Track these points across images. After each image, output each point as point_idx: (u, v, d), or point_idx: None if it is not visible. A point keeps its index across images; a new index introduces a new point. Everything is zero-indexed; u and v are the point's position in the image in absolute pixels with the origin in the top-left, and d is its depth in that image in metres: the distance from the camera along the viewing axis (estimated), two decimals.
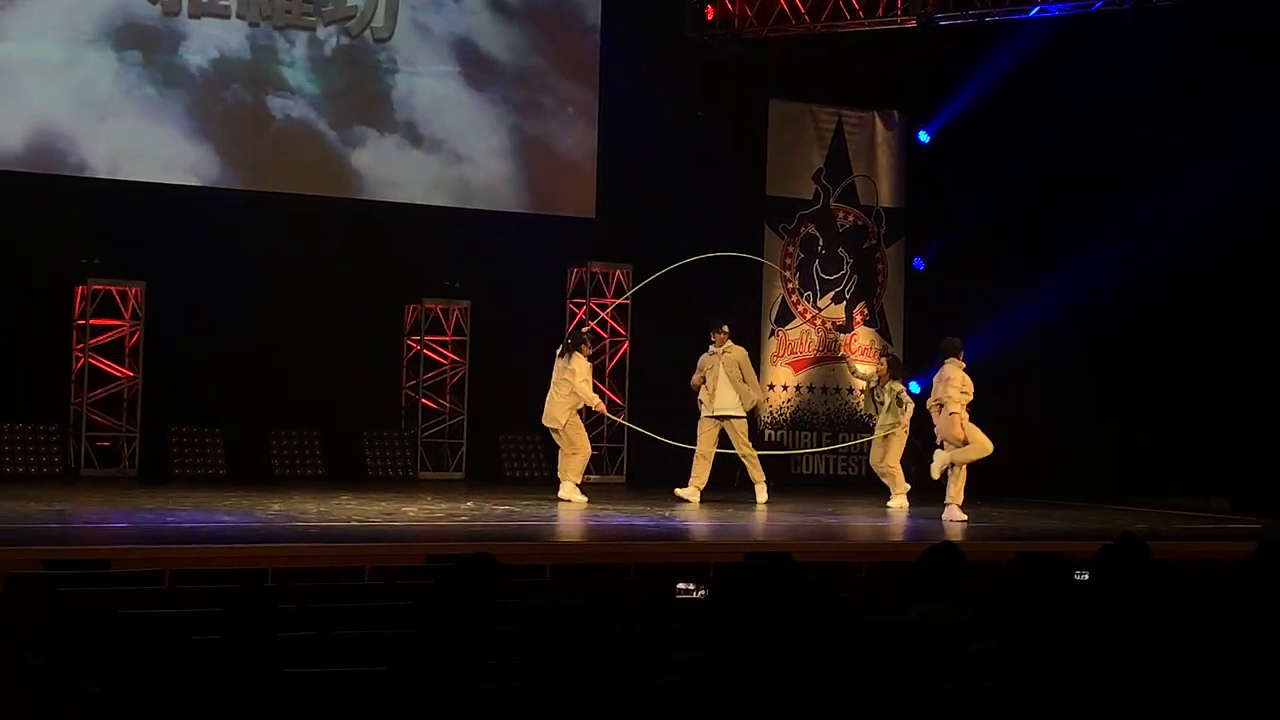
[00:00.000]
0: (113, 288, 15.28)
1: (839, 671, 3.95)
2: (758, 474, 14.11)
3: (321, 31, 16.18)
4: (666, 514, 13.01)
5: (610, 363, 17.00)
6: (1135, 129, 16.73)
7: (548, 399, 13.73)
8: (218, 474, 15.35)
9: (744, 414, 14.01)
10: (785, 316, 18.17)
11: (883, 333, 18.55)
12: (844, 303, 18.45)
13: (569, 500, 13.44)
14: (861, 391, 14.97)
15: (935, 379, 13.44)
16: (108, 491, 13.45)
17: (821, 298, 18.34)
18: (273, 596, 5.46)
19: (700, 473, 13.92)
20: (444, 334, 16.67)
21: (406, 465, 16.31)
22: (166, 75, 15.49)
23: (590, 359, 14.12)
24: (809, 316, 18.27)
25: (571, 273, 17.30)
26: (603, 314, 17.08)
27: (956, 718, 4.75)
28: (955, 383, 13.14)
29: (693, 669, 5.05)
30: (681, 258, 17.56)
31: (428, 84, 16.57)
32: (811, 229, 18.32)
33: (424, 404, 16.41)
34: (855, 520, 13.95)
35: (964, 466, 13.26)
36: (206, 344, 15.39)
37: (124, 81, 15.32)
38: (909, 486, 14.35)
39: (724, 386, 13.79)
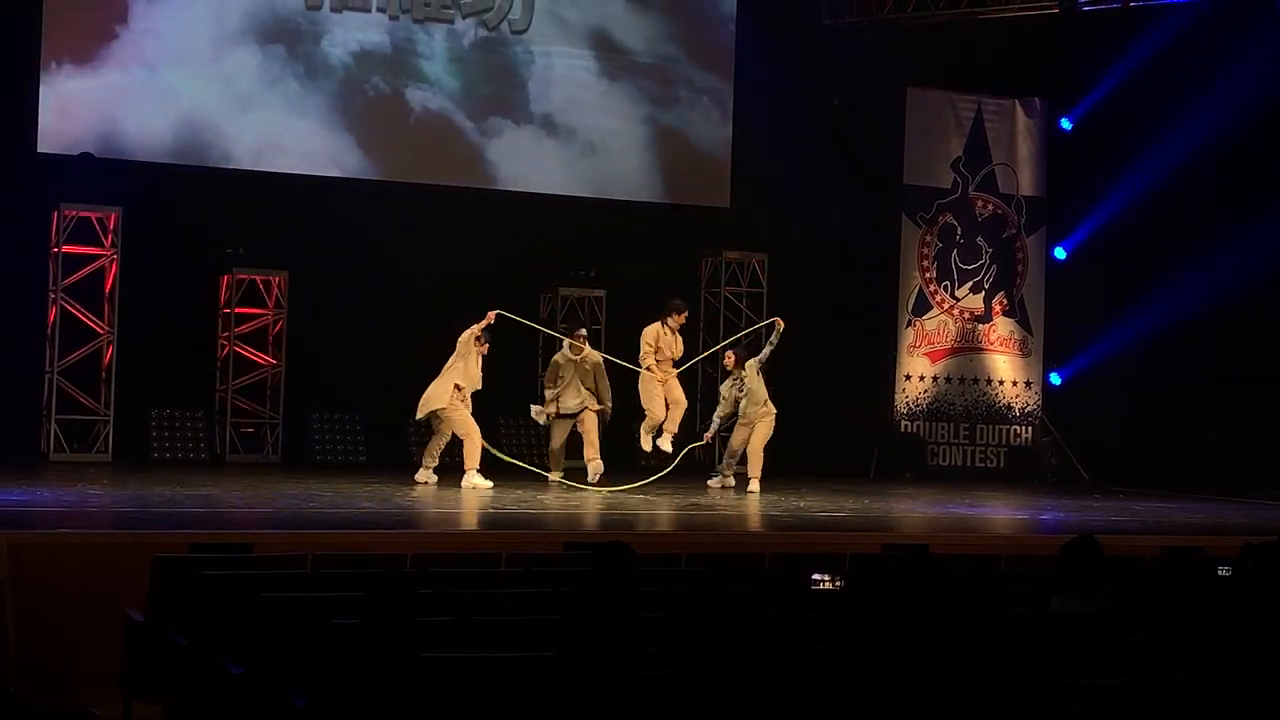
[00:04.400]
0: (256, 277, 15.55)
1: (979, 664, 3.90)
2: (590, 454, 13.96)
3: (460, 24, 16.33)
4: (801, 504, 12.96)
5: None
6: None
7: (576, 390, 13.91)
8: (358, 460, 15.55)
9: (595, 409, 13.99)
10: (922, 306, 17.99)
11: (1022, 323, 18.29)
12: (982, 293, 18.22)
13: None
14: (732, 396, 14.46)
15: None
16: (251, 477, 13.68)
17: (960, 288, 18.13)
18: (411, 581, 5.53)
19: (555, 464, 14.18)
20: (579, 322, 16.73)
21: (543, 453, 16.36)
22: (309, 68, 15.74)
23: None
24: (946, 307, 18.06)
25: (706, 262, 17.28)
26: (739, 303, 17.04)
27: (1100, 712, 4.67)
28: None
29: (826, 659, 5.02)
30: (817, 247, 17.52)
31: (564, 75, 16.64)
32: (950, 218, 18.11)
33: None
34: (993, 512, 13.79)
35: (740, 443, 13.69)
36: (347, 332, 15.62)
37: (268, 74, 15.59)
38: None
39: (572, 389, 13.82)
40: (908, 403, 17.79)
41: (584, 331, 14.40)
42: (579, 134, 16.70)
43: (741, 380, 13.93)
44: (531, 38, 16.56)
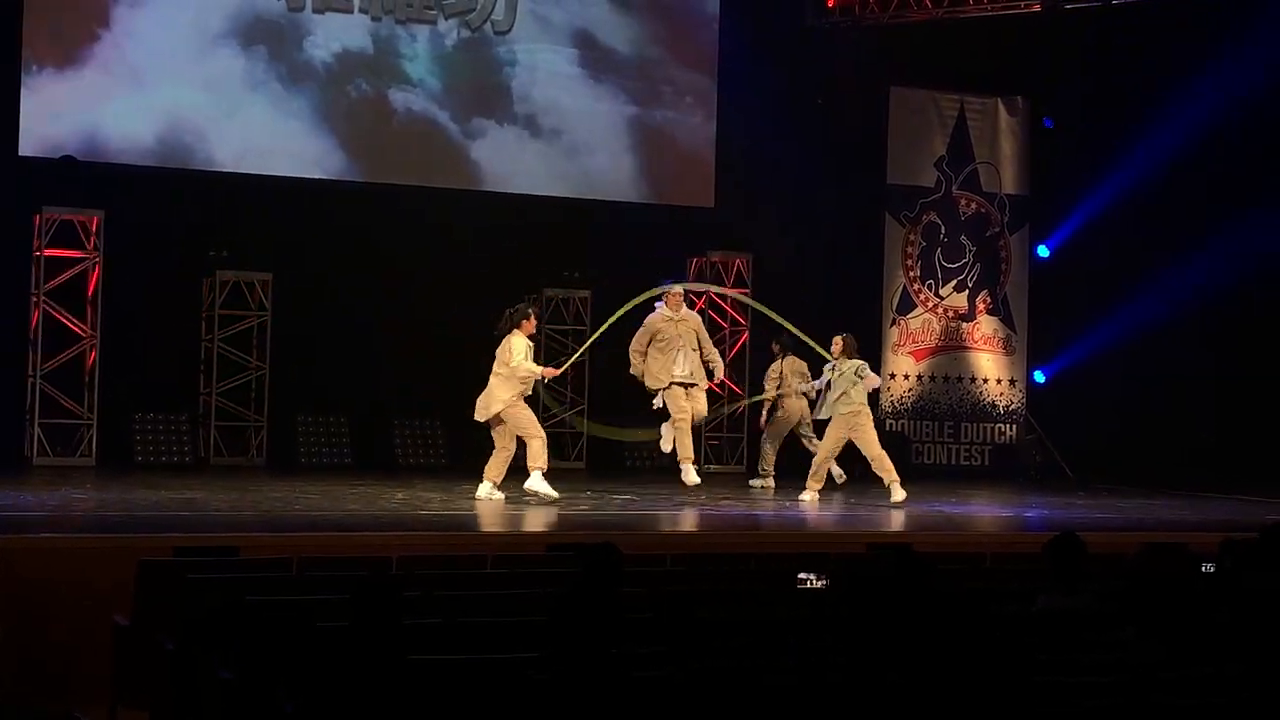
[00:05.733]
0: (241, 279, 15.53)
1: (970, 662, 3.91)
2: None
3: (442, 25, 16.31)
4: (787, 504, 12.97)
5: (730, 353, 16.96)
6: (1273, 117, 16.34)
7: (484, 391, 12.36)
8: (343, 462, 15.53)
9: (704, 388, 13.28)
10: (906, 305, 18.02)
11: (1006, 321, 18.34)
12: (966, 291, 18.26)
13: (539, 492, 11.99)
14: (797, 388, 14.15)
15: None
16: (236, 479, 13.67)
17: (943, 286, 18.17)
18: (398, 584, 5.53)
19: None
20: (564, 323, 16.76)
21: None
22: (292, 70, 15.71)
23: (531, 338, 12.48)
24: (930, 305, 18.10)
25: (691, 262, 17.29)
26: (723, 304, 17.06)
27: (1095, 710, 4.68)
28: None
29: (820, 655, 5.02)
30: (801, 246, 17.54)
31: (547, 75, 16.63)
32: (933, 217, 18.14)
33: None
34: (978, 510, 13.81)
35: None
36: (331, 334, 15.62)
37: (251, 76, 15.56)
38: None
39: (683, 355, 13.07)
40: (893, 401, 17.82)
41: (678, 289, 13.18)
42: (563, 134, 16.70)
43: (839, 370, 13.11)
44: (515, 38, 16.55)
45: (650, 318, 13.08)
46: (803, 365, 14.36)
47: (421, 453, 16.04)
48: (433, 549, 9.00)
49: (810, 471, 13.29)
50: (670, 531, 11.34)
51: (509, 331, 12.26)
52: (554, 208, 16.54)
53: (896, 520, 12.20)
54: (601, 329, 13.77)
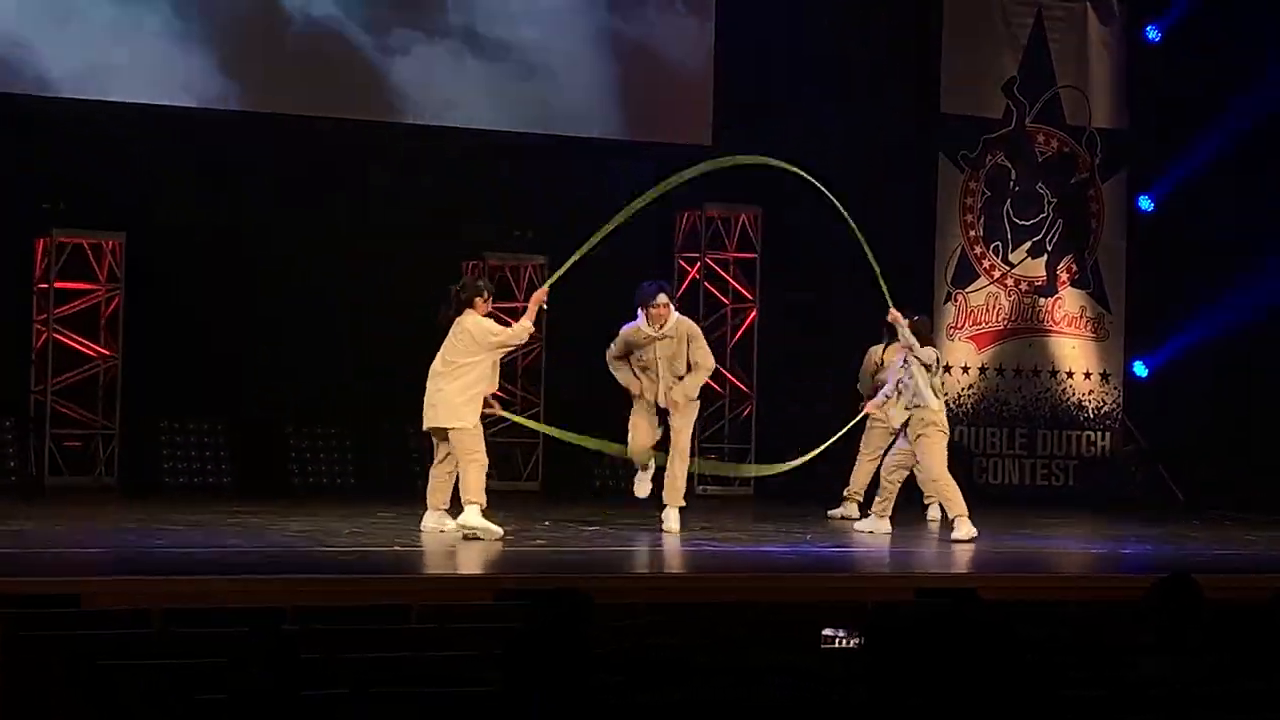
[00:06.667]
0: (83, 240, 15.47)
1: None
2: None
3: None
4: (808, 538, 13.02)
5: (734, 336, 16.96)
6: None
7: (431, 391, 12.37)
8: (220, 482, 15.54)
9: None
10: (966, 275, 18.06)
11: (1097, 297, 18.40)
12: (1044, 256, 18.30)
13: (477, 529, 11.94)
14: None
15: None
16: (79, 506, 13.60)
17: (1014, 250, 18.21)
18: (294, 643, 5.53)
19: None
20: (514, 299, 16.73)
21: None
22: None
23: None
24: (998, 275, 18.14)
25: (682, 217, 17.29)
26: (722, 271, 17.07)
27: None
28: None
29: None
30: (826, 198, 17.55)
31: None
32: (1001, 158, 18.18)
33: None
34: (1060, 544, 13.85)
35: None
36: (206, 314, 15.58)
37: None
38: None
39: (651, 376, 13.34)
40: (948, 402, 17.83)
41: (663, 298, 12.98)
42: (513, 51, 16.69)
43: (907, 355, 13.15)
44: None
45: (626, 329, 12.99)
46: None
47: (323, 471, 16.05)
48: (340, 598, 9.00)
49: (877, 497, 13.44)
50: (650, 574, 11.36)
51: (459, 314, 12.27)
52: (500, 148, 16.52)
53: (955, 559, 12.23)
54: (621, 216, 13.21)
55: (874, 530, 13.21)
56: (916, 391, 13.08)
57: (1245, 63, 17.43)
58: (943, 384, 13.34)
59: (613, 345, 13.02)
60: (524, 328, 12.44)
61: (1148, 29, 18.50)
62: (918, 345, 13.13)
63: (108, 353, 15.54)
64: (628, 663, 5.82)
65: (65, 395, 15.43)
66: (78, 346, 15.51)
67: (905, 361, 13.20)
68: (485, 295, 12.46)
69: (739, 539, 13.06)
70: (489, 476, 12.19)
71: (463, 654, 7.10)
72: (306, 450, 16.09)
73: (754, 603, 9.23)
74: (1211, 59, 17.82)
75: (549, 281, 13.47)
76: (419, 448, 16.31)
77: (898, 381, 13.23)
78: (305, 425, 16.13)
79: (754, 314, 17.20)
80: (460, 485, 12.21)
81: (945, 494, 13.13)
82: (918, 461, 13.21)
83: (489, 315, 12.46)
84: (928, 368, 13.12)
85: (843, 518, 14.17)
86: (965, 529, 12.91)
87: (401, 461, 16.29)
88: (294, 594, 8.82)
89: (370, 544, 11.75)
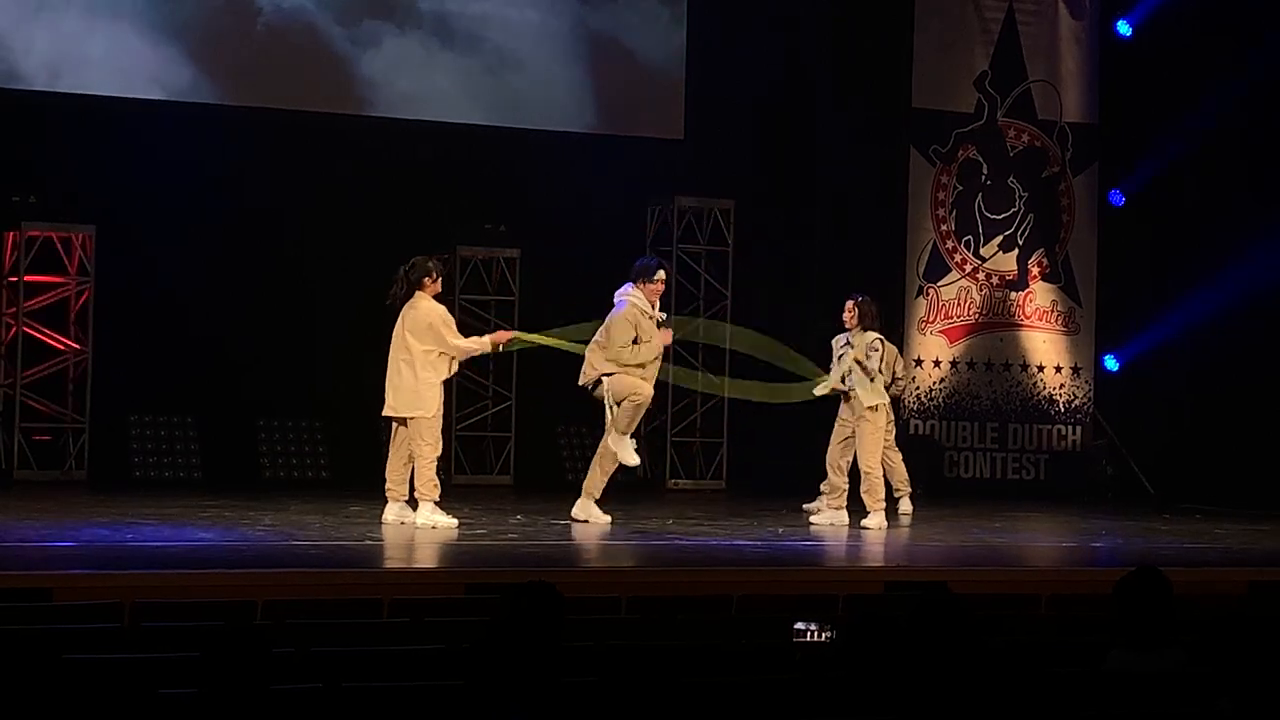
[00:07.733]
0: (53, 234, 15.45)
1: None
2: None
3: None
4: (779, 532, 13.03)
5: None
6: None
7: (391, 375, 12.51)
8: (191, 476, 15.51)
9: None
10: (938, 269, 18.08)
11: (1068, 291, 18.42)
12: (1015, 250, 18.33)
13: (436, 524, 12.20)
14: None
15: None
16: (49, 499, 13.59)
17: (986, 244, 18.24)
18: (264, 637, 5.53)
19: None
20: (485, 291, 16.73)
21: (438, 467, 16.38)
22: None
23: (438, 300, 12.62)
24: (969, 269, 18.17)
25: (653, 212, 17.30)
26: (695, 265, 17.08)
27: None
28: None
29: None
30: (799, 188, 17.60)
31: None
32: (972, 152, 18.21)
33: (461, 386, 16.42)
34: (1030, 539, 13.88)
35: None
36: (176, 308, 15.55)
37: None
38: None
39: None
40: (919, 396, 17.88)
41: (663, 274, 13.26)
42: (484, 43, 16.68)
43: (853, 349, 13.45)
44: None
45: (626, 313, 12.91)
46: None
47: (294, 464, 16.03)
48: (311, 592, 9.00)
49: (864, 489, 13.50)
50: (626, 566, 11.37)
51: (409, 296, 12.31)
52: (471, 140, 16.52)
53: (924, 552, 12.25)
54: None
55: (834, 522, 13.36)
56: (860, 379, 13.39)
57: (1216, 57, 17.46)
58: (908, 372, 13.43)
59: (617, 338, 12.85)
60: (479, 345, 12.59)
61: (1119, 23, 18.52)
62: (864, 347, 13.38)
63: (77, 346, 15.52)
64: (597, 656, 5.82)
65: (35, 389, 15.41)
66: (47, 340, 15.49)
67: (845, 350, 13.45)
68: (434, 275, 12.49)
69: (710, 533, 13.07)
70: (461, 471, 12.33)
71: (435, 648, 7.11)
72: (277, 443, 16.09)
73: (725, 596, 9.23)
74: (1182, 54, 17.86)
75: (523, 338, 13.51)
76: (390, 441, 16.35)
77: (842, 376, 13.39)
78: (275, 418, 16.12)
79: (724, 306, 17.19)
80: (415, 478, 12.34)
81: (873, 481, 13.34)
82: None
83: (438, 298, 12.46)
84: (866, 359, 13.33)
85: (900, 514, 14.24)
86: (878, 520, 13.22)
87: (373, 454, 16.25)
88: (265, 588, 8.83)
89: (342, 538, 11.76)
